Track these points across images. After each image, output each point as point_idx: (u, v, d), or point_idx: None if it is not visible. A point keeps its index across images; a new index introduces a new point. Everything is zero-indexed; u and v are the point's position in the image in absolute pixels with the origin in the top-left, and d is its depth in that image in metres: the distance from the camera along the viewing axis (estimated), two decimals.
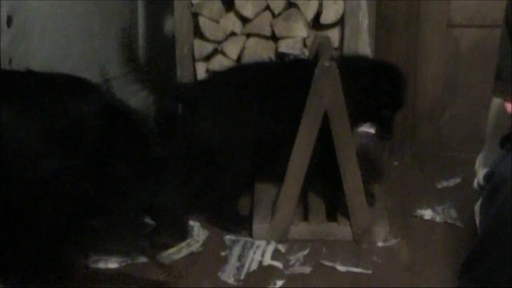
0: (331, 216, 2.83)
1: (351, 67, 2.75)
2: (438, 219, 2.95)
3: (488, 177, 2.06)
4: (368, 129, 2.95)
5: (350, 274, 2.61)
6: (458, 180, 3.23)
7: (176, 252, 2.70)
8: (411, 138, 3.44)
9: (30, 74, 2.30)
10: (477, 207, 2.19)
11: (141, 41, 3.32)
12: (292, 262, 2.67)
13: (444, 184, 3.22)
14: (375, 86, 2.76)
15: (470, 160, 2.73)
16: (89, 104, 2.30)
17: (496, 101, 2.41)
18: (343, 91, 2.63)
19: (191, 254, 2.70)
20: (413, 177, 3.29)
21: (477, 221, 2.16)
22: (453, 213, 2.97)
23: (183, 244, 2.74)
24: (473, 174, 2.60)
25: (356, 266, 2.64)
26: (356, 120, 2.78)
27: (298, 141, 2.68)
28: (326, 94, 2.62)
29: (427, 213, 2.98)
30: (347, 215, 2.76)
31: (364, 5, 3.13)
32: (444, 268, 2.62)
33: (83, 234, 2.32)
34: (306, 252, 2.72)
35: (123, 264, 2.63)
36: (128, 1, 2.94)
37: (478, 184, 2.18)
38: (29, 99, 2.22)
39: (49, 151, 2.20)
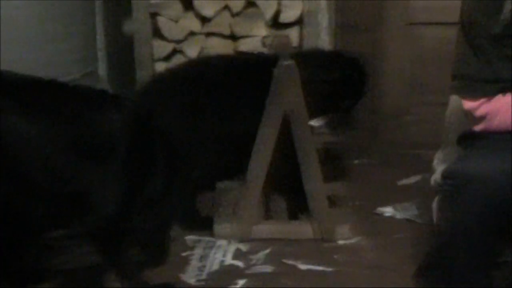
0: (293, 215, 2.83)
1: (309, 60, 2.75)
2: (398, 216, 2.97)
3: (446, 174, 2.07)
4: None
5: (312, 272, 2.61)
6: (418, 177, 3.25)
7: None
8: (374, 137, 3.46)
9: (53, 84, 2.29)
10: (434, 204, 2.20)
11: (99, 42, 3.29)
12: (254, 262, 2.66)
13: (405, 181, 3.24)
14: (333, 76, 2.77)
15: (431, 158, 2.76)
16: (111, 116, 2.25)
17: (453, 99, 2.42)
18: (303, 85, 2.64)
19: None
20: (376, 175, 3.30)
21: (435, 219, 2.17)
22: (413, 210, 3.00)
23: None
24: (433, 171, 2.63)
25: (318, 265, 2.64)
26: (315, 112, 2.78)
27: (258, 141, 2.68)
28: (286, 94, 2.62)
29: (389, 211, 3.00)
30: (309, 214, 2.77)
31: (323, 4, 3.14)
32: (404, 265, 2.62)
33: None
34: (268, 251, 2.72)
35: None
36: (86, 1, 2.92)
37: (436, 181, 2.19)
38: (53, 110, 2.19)
39: (73, 164, 2.17)
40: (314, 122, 2.87)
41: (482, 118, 2.10)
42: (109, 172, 2.21)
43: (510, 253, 2.17)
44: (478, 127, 2.12)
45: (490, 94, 2.08)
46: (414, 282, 2.21)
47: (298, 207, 2.83)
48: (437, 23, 3.34)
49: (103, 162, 2.20)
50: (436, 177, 2.18)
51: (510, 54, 2.06)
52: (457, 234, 2.02)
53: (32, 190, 2.15)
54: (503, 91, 2.08)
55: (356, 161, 3.43)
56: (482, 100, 2.09)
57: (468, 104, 2.11)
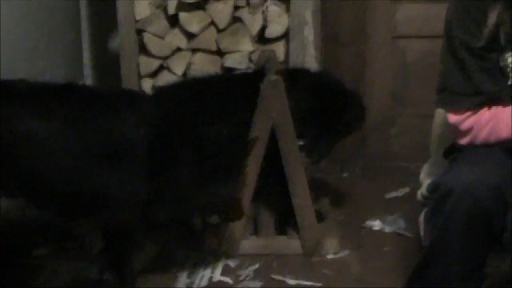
0: (281, 230, 2.83)
1: (299, 83, 2.77)
2: (387, 229, 2.97)
3: (431, 188, 2.08)
4: None
5: (301, 287, 2.61)
6: (407, 190, 3.25)
7: None
8: (361, 150, 3.46)
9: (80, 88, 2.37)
10: (421, 218, 2.20)
11: (86, 59, 3.30)
12: (242, 277, 2.66)
13: (393, 194, 3.25)
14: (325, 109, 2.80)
15: (418, 170, 2.76)
16: (138, 116, 2.31)
17: (440, 112, 2.43)
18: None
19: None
20: (363, 188, 3.31)
21: (422, 232, 2.18)
22: (401, 223, 3.00)
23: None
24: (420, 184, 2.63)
25: (307, 280, 2.64)
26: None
27: (247, 157, 2.67)
28: (273, 109, 2.63)
29: (377, 224, 3.00)
30: (296, 229, 2.77)
31: (309, 19, 3.14)
32: (394, 278, 2.63)
33: None
34: (256, 266, 2.71)
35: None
36: (72, 18, 2.92)
37: (422, 195, 2.20)
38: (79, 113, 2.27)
39: (99, 166, 2.24)
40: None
41: (468, 131, 2.11)
42: (130, 170, 2.25)
43: (495, 264, 2.18)
44: (463, 140, 2.12)
45: (474, 108, 2.09)
46: None
47: (286, 222, 2.83)
48: (421, 37, 3.35)
49: (125, 161, 2.25)
50: (421, 191, 2.19)
51: (492, 67, 2.08)
52: (440, 246, 2.03)
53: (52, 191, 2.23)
54: (487, 104, 2.09)
55: (344, 175, 3.43)
56: (468, 113, 2.09)
57: (453, 118, 2.12)
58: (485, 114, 2.08)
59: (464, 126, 2.10)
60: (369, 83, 3.38)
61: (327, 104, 2.81)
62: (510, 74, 2.09)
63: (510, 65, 2.08)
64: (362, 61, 3.33)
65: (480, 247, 2.01)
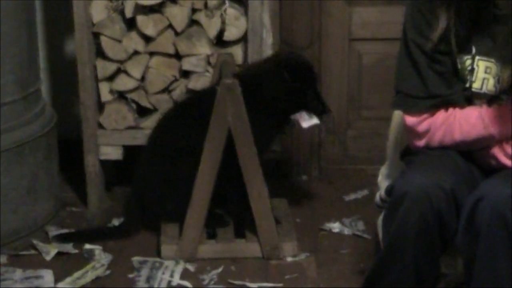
0: (240, 234, 2.82)
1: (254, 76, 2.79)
2: (346, 231, 2.98)
3: (389, 191, 2.09)
4: (310, 121, 2.93)
5: None
6: (365, 192, 3.27)
7: (81, 276, 2.65)
8: (318, 153, 3.47)
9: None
10: (379, 221, 2.21)
11: (42, 63, 3.26)
12: (201, 281, 2.65)
13: (352, 196, 3.26)
14: (280, 78, 2.78)
15: (377, 172, 2.77)
16: None
17: (397, 114, 2.45)
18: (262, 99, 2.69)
19: (97, 278, 2.66)
20: (321, 191, 3.31)
21: (380, 235, 2.18)
22: (360, 225, 3.01)
23: (87, 267, 2.70)
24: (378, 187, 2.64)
25: (267, 282, 2.64)
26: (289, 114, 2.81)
27: (203, 160, 2.67)
28: (229, 112, 2.63)
29: (336, 226, 3.01)
30: (255, 232, 2.76)
31: (267, 22, 3.14)
32: (352, 280, 2.65)
33: None
34: (215, 270, 2.71)
35: None
36: (26, 23, 2.88)
37: (380, 198, 2.21)
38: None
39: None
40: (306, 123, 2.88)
41: (424, 134, 2.12)
42: None
43: (449, 266, 2.20)
44: (419, 143, 2.14)
45: (429, 110, 2.10)
46: None
47: (245, 225, 2.83)
48: (377, 39, 3.36)
49: None
50: (380, 194, 2.19)
51: (445, 70, 2.09)
52: (395, 250, 2.04)
53: None
54: (442, 106, 2.10)
55: (302, 177, 3.43)
56: (424, 115, 2.11)
57: (409, 120, 2.13)
58: (441, 116, 2.10)
59: (421, 128, 2.11)
60: (326, 86, 3.38)
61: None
62: (468, 77, 2.10)
63: (468, 68, 2.10)
64: (318, 64, 3.33)
65: (434, 250, 2.01)
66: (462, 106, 2.10)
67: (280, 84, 2.76)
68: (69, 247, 2.83)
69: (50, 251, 2.79)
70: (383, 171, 2.43)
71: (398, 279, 2.04)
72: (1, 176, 2.77)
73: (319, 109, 2.84)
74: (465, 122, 2.08)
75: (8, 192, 2.80)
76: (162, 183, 2.83)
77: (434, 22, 2.06)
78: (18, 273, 2.69)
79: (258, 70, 2.83)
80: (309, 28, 3.33)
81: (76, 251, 2.82)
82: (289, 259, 2.78)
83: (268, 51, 3.13)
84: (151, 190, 2.86)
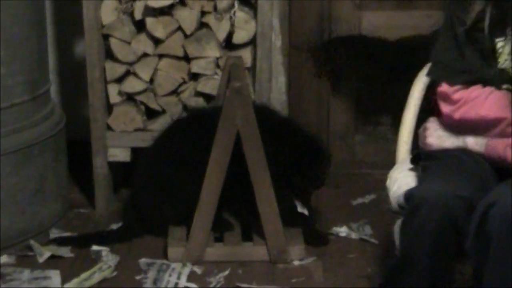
0: (247, 237, 2.82)
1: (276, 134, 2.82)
2: (353, 236, 2.97)
3: (408, 198, 2.08)
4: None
5: None
6: (373, 196, 3.26)
7: (88, 278, 2.65)
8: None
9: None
10: (396, 227, 2.19)
11: (52, 65, 3.27)
12: (208, 284, 2.65)
13: (360, 201, 3.25)
14: (297, 164, 2.84)
15: (384, 177, 2.77)
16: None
17: (407, 117, 2.46)
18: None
19: (104, 279, 2.66)
20: (329, 195, 3.30)
21: (396, 242, 2.17)
22: (368, 229, 3.00)
23: (94, 268, 2.70)
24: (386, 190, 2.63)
25: (273, 285, 2.63)
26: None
27: (211, 163, 2.67)
28: (238, 115, 2.62)
29: (343, 230, 3.00)
30: (262, 235, 2.76)
31: (276, 25, 3.15)
32: (359, 285, 2.64)
33: None
34: (222, 273, 2.70)
35: None
36: (36, 23, 2.89)
37: (399, 204, 2.19)
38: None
39: None
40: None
41: (456, 102, 2.15)
42: None
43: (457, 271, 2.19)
44: (446, 109, 2.17)
45: (463, 83, 2.15)
46: None
47: (252, 228, 2.83)
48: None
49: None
50: (398, 199, 2.17)
51: (481, 48, 2.14)
52: (410, 257, 2.04)
53: None
54: (478, 83, 2.14)
55: None
56: (459, 86, 2.15)
57: (445, 86, 2.17)
58: (476, 90, 2.14)
59: (455, 96, 2.15)
60: (335, 90, 3.38)
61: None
62: (499, 59, 2.14)
63: (500, 50, 2.13)
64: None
65: (449, 257, 2.02)
66: (498, 86, 2.14)
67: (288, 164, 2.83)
68: (65, 251, 2.82)
69: (44, 253, 2.78)
70: (392, 174, 2.42)
71: (413, 286, 2.04)
72: (9, 177, 2.78)
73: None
74: (494, 100, 2.11)
75: (16, 193, 2.81)
76: (161, 189, 2.84)
77: (472, 2, 2.11)
78: (26, 274, 2.69)
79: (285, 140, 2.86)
80: (318, 32, 3.33)
81: (72, 255, 2.81)
82: (296, 263, 2.78)
83: (277, 55, 3.14)
84: (150, 196, 2.87)
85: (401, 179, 2.32)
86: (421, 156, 2.24)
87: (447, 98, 2.18)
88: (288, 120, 3.06)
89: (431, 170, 2.09)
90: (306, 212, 2.94)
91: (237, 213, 2.89)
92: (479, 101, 2.12)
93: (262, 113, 2.76)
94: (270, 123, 2.84)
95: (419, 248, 2.01)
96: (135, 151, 3.07)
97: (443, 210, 1.95)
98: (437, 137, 2.22)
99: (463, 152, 2.14)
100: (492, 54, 2.15)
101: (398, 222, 2.14)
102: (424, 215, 1.97)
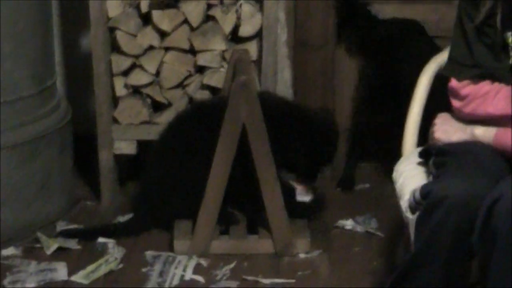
0: (253, 230, 2.83)
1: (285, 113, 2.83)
2: (359, 229, 2.97)
3: (425, 194, 2.07)
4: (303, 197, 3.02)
5: (274, 286, 2.61)
6: (379, 190, 3.25)
7: (95, 270, 2.66)
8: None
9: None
10: (412, 220, 2.18)
11: (58, 58, 3.27)
12: (214, 277, 2.65)
13: (366, 194, 3.25)
14: (306, 141, 2.84)
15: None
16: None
17: (414, 110, 2.46)
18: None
19: (111, 272, 2.67)
20: (335, 188, 3.30)
21: (412, 236, 2.16)
22: (374, 223, 3.00)
23: (101, 261, 2.71)
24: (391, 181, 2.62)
25: (280, 279, 2.64)
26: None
27: (216, 157, 2.67)
28: (243, 109, 2.62)
29: (349, 224, 3.00)
30: (268, 228, 2.76)
31: (282, 18, 3.15)
32: (365, 278, 2.64)
33: None
34: (228, 266, 2.71)
35: (42, 283, 2.59)
36: (42, 17, 2.90)
37: (415, 200, 2.18)
38: None
39: None
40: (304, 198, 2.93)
41: (464, 97, 2.15)
42: None
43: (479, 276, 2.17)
44: (457, 104, 2.17)
45: (472, 79, 2.15)
46: None
47: (257, 221, 2.83)
48: None
49: None
50: (415, 195, 2.16)
51: (491, 43, 2.13)
52: (426, 254, 2.02)
53: None
54: (487, 78, 2.14)
55: None
56: (468, 82, 2.16)
57: (454, 82, 2.18)
58: (486, 86, 2.14)
59: (463, 92, 2.15)
60: (339, 85, 3.38)
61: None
62: (511, 53, 2.13)
63: (511, 44, 2.12)
64: (332, 64, 3.32)
65: (466, 256, 2.00)
66: (505, 82, 2.13)
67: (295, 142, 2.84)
68: (72, 243, 2.83)
69: (51, 245, 2.79)
70: (398, 167, 2.42)
71: (427, 284, 2.03)
72: (15, 170, 2.78)
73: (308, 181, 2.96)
74: (504, 97, 2.10)
75: (22, 187, 2.82)
76: (172, 182, 2.84)
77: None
78: (33, 266, 2.70)
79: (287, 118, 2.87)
80: (324, 26, 3.32)
81: (79, 247, 2.82)
82: (302, 256, 2.78)
83: (282, 48, 3.13)
84: (160, 188, 2.87)
85: (408, 172, 2.32)
86: (431, 151, 2.24)
87: (455, 94, 2.18)
88: (292, 102, 3.09)
89: (448, 167, 2.06)
90: (309, 197, 2.94)
91: (243, 206, 2.89)
92: (489, 97, 2.12)
93: (264, 98, 2.77)
94: (274, 105, 2.85)
95: (436, 245, 1.99)
96: (141, 144, 3.08)
97: (463, 209, 1.93)
98: (444, 131, 2.21)
99: (477, 146, 2.12)
100: (503, 49, 2.14)
101: (415, 217, 2.13)
102: (443, 212, 1.95)
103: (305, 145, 2.86)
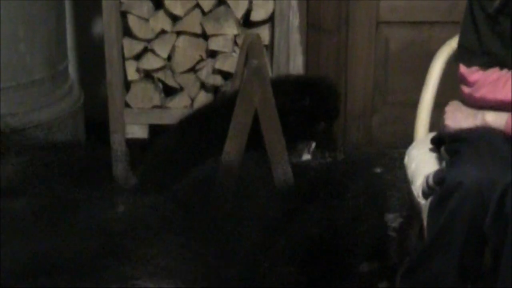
0: None
1: (280, 89, 2.79)
2: None
3: (438, 180, 2.07)
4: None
5: None
6: (389, 177, 3.24)
7: None
8: (343, 138, 3.45)
9: None
10: (425, 205, 2.17)
11: (70, 43, 3.28)
12: None
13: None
14: (304, 102, 2.81)
15: (401, 157, 2.76)
16: None
17: (426, 96, 2.46)
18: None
19: None
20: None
21: (424, 223, 2.16)
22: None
23: None
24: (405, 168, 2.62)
25: None
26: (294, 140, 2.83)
27: (228, 142, 2.66)
28: (256, 93, 2.61)
29: None
30: None
31: (294, 3, 3.14)
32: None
33: None
34: None
35: None
36: (55, 2, 2.90)
37: (428, 185, 2.18)
38: None
39: None
40: (303, 157, 2.92)
41: (473, 83, 2.17)
42: None
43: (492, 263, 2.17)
44: (466, 90, 2.18)
45: (481, 66, 2.16)
46: (400, 282, 2.20)
47: None
48: (405, 23, 3.34)
49: None
50: (428, 180, 2.15)
51: (504, 31, 2.13)
52: (441, 241, 2.02)
53: None
54: (496, 65, 2.15)
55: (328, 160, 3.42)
56: (476, 68, 2.17)
57: (463, 68, 2.20)
58: (495, 73, 2.14)
59: (471, 78, 2.17)
60: (352, 70, 3.37)
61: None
62: None
63: None
64: (344, 48, 3.31)
65: (481, 244, 2.00)
66: None
67: (296, 105, 2.81)
68: None
69: None
70: (410, 152, 2.42)
71: (441, 271, 2.03)
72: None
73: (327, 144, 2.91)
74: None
75: None
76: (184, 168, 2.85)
77: None
78: None
79: (284, 85, 2.86)
80: (336, 11, 3.30)
81: None
82: None
83: (294, 33, 3.13)
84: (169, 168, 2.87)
85: (420, 157, 2.32)
86: (443, 137, 2.24)
87: (464, 80, 2.19)
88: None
89: (462, 154, 2.06)
90: (309, 156, 2.94)
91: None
92: (499, 84, 2.12)
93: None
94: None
95: (451, 233, 1.99)
96: (152, 128, 3.08)
97: (478, 196, 1.94)
98: (455, 118, 2.21)
99: (490, 132, 2.11)
100: None
101: (428, 202, 2.12)
102: (459, 199, 1.95)
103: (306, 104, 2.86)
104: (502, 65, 2.15)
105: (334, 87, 3.00)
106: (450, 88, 2.36)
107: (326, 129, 2.92)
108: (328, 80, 3.01)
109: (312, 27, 3.30)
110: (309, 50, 3.28)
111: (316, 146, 3.05)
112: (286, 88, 2.86)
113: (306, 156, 3.00)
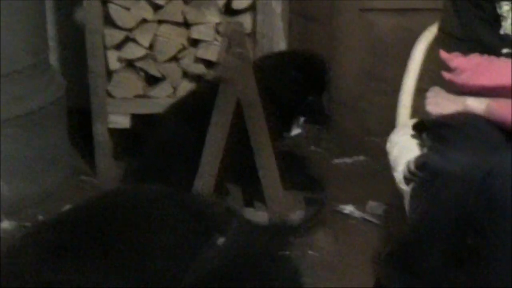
0: (248, 202, 2.83)
1: (265, 66, 2.80)
2: (356, 214, 2.93)
3: (421, 165, 2.06)
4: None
5: None
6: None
7: None
8: (331, 125, 3.45)
9: None
10: (406, 192, 2.17)
11: (51, 32, 3.26)
12: None
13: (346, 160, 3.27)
14: (292, 77, 2.80)
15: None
16: None
17: (407, 81, 2.47)
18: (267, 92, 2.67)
19: None
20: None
21: (406, 208, 2.15)
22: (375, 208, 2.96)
23: None
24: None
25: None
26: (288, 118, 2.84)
27: (211, 130, 2.66)
28: (238, 81, 2.61)
29: (348, 208, 2.97)
30: (263, 201, 2.76)
31: None
32: (362, 251, 2.65)
33: None
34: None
35: None
36: None
37: (409, 170, 2.17)
38: None
39: None
40: (293, 131, 2.92)
41: (454, 69, 2.16)
42: None
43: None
44: (447, 76, 2.17)
45: (463, 51, 2.16)
46: (380, 267, 2.21)
47: (253, 194, 2.83)
48: (391, 9, 3.33)
49: None
50: (409, 166, 2.15)
51: (484, 16, 2.15)
52: (424, 227, 2.02)
53: None
54: (476, 49, 2.15)
55: (312, 148, 3.42)
56: (457, 53, 2.16)
57: (443, 54, 2.19)
58: (475, 58, 2.14)
59: (452, 64, 2.16)
60: (339, 58, 3.36)
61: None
62: (503, 23, 2.15)
63: (504, 14, 2.14)
64: (331, 35, 3.30)
65: (465, 228, 1.99)
66: (498, 54, 2.13)
67: (284, 80, 2.81)
68: None
69: None
70: (392, 138, 2.42)
71: (425, 256, 2.02)
72: (10, 144, 2.78)
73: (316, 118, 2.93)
74: (495, 68, 2.10)
75: (18, 161, 2.82)
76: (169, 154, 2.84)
77: None
78: None
79: (271, 61, 2.87)
80: None
81: None
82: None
83: (277, 21, 3.11)
84: (159, 160, 2.87)
85: (402, 144, 2.32)
86: (425, 123, 2.24)
87: (445, 66, 2.18)
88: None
89: (446, 139, 2.05)
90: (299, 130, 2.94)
91: (238, 179, 2.89)
92: (480, 69, 2.12)
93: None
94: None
95: (434, 217, 1.99)
96: (135, 117, 3.07)
97: (462, 182, 1.93)
98: (436, 104, 2.21)
99: (472, 118, 2.10)
100: (496, 20, 2.15)
101: (410, 188, 2.12)
102: (442, 185, 1.95)
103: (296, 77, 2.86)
104: (485, 51, 2.15)
105: (320, 59, 2.98)
106: (432, 74, 2.37)
107: (315, 102, 2.90)
108: (314, 53, 2.99)
109: (297, 15, 3.29)
110: (297, 38, 3.27)
111: (305, 120, 3.03)
112: (272, 63, 2.86)
113: (296, 130, 3.00)
